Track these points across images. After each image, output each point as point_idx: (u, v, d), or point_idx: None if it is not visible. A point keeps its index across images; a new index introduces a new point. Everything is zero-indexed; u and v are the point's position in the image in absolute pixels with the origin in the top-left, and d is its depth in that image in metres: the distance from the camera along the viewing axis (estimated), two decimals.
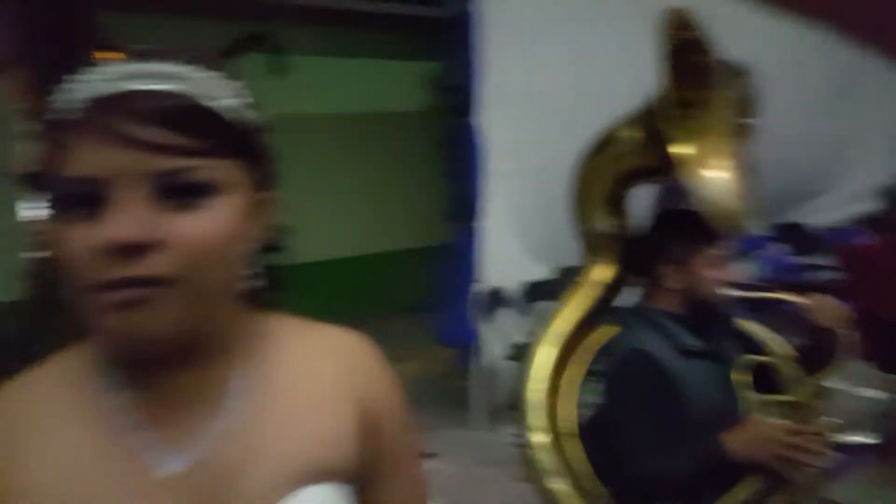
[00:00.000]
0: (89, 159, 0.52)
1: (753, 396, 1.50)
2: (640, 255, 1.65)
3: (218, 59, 0.57)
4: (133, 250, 0.51)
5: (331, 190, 6.01)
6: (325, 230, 5.91)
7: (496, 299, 3.70)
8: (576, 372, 1.78)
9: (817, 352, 1.53)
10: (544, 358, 1.77)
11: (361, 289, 5.98)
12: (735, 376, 1.52)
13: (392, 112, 6.00)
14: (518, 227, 3.86)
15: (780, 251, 4.81)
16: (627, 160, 1.65)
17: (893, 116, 5.43)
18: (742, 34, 4.27)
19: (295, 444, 0.59)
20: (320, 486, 0.58)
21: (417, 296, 4.49)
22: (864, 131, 5.29)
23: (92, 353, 0.60)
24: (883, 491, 2.43)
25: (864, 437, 1.57)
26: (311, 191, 5.72)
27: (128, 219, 0.51)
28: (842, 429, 1.51)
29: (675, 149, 1.46)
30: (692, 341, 1.53)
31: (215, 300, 0.57)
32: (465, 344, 3.69)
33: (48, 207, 0.54)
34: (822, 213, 5.15)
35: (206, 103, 0.54)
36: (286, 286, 0.71)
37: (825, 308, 1.51)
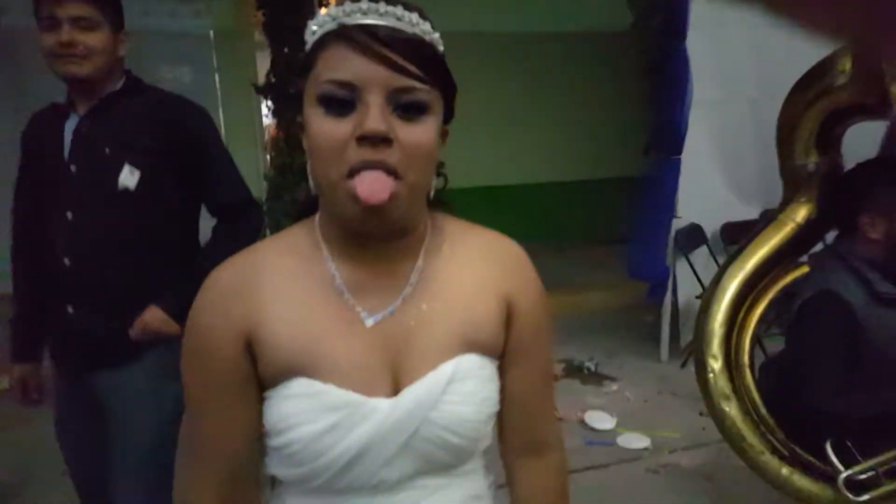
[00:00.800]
0: (349, 68, 0.63)
1: None
2: (843, 199, 1.60)
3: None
4: (380, 140, 0.62)
5: (527, 114, 5.89)
6: (522, 155, 5.94)
7: (693, 237, 3.64)
8: (759, 307, 1.82)
9: None
10: (728, 290, 1.83)
11: (558, 215, 5.97)
12: None
13: (593, 32, 5.59)
14: (722, 163, 3.68)
15: None
16: (841, 95, 1.58)
17: None
18: None
19: (456, 320, 0.73)
20: (474, 355, 0.72)
21: (614, 227, 4.50)
22: None
23: (312, 230, 0.74)
24: None
25: None
26: (512, 114, 5.75)
27: (379, 116, 0.63)
28: None
29: (893, 87, 1.41)
30: (889, 288, 1.49)
31: (421, 196, 0.70)
32: (657, 279, 3.70)
33: (310, 105, 0.66)
34: None
35: (429, 40, 0.67)
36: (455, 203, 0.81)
37: None
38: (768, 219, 1.84)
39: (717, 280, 1.89)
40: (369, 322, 0.70)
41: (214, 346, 0.70)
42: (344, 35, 0.64)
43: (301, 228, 0.75)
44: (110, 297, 1.41)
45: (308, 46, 0.67)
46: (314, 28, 0.67)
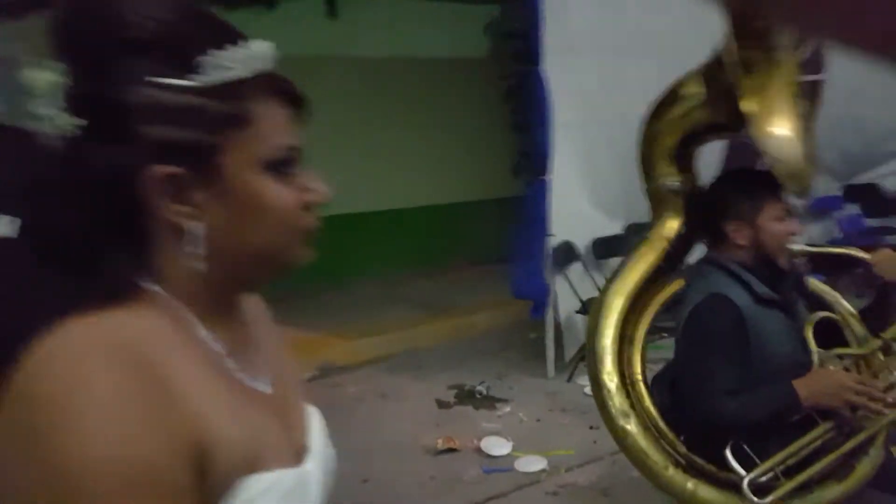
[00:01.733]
0: (291, 130, 0.60)
1: (822, 352, 1.51)
2: (707, 211, 1.65)
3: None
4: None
5: (398, 137, 5.77)
6: (394, 179, 5.78)
7: (567, 254, 3.73)
8: (643, 323, 1.84)
9: (884, 307, 1.53)
10: (614, 308, 1.83)
11: (437, 239, 5.91)
12: (805, 329, 1.52)
13: (457, 58, 5.71)
14: (587, 182, 3.82)
15: (853, 213, 4.59)
16: (695, 116, 1.62)
17: None
18: None
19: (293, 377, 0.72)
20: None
21: (495, 248, 4.54)
22: None
23: (169, 295, 0.59)
24: None
25: None
26: (378, 137, 5.59)
27: (320, 180, 0.62)
28: None
29: (743, 105, 1.45)
30: (766, 290, 1.54)
31: None
32: (538, 296, 3.76)
33: (248, 168, 0.58)
34: None
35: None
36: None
37: (890, 263, 1.49)
38: (640, 236, 1.87)
39: (602, 299, 1.89)
40: (267, 389, 0.64)
41: (158, 478, 0.50)
42: (277, 88, 0.59)
43: (148, 295, 0.58)
44: None
45: (221, 94, 0.55)
46: (233, 72, 0.55)
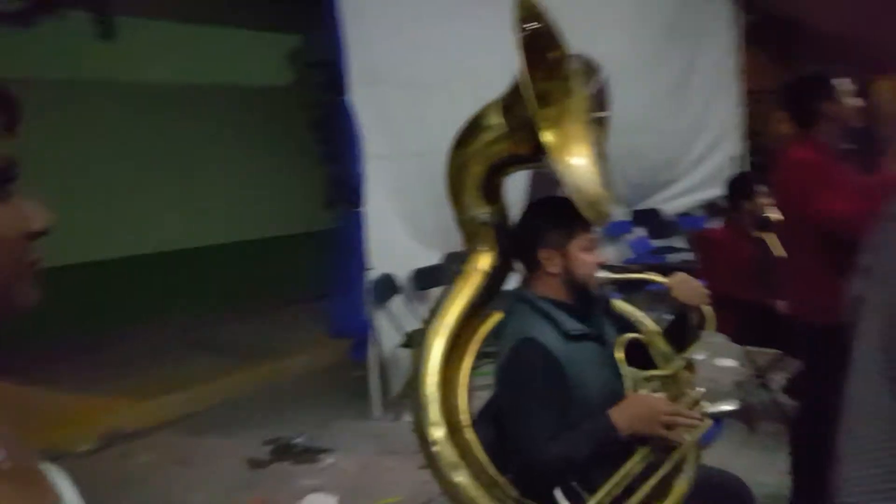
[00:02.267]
0: None
1: (633, 373, 1.54)
2: (519, 241, 1.65)
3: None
4: None
5: (198, 172, 5.35)
6: (197, 215, 5.33)
7: (387, 287, 3.63)
8: (467, 362, 1.76)
9: (683, 326, 1.60)
10: (435, 350, 1.73)
11: (246, 277, 5.46)
12: (616, 355, 1.55)
13: (257, 87, 5.45)
14: (403, 212, 3.77)
15: (640, 235, 5.13)
16: (497, 147, 1.61)
17: (729, 109, 5.96)
18: (583, 30, 4.53)
19: None
20: None
21: (309, 285, 4.30)
22: (706, 124, 5.76)
23: None
24: (744, 450, 2.65)
25: (727, 404, 1.66)
26: (175, 173, 5.15)
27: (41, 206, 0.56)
28: (707, 397, 1.58)
29: (542, 136, 1.46)
30: (575, 325, 1.56)
31: None
32: (358, 334, 3.60)
33: None
34: (675, 201, 5.57)
35: None
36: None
37: (686, 287, 1.55)
38: (456, 271, 1.81)
39: (422, 342, 1.78)
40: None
41: None
42: None
43: None
44: None
45: None
46: None
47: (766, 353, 3.30)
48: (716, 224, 5.66)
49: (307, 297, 4.50)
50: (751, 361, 3.33)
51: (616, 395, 1.52)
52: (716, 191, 5.72)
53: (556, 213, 1.60)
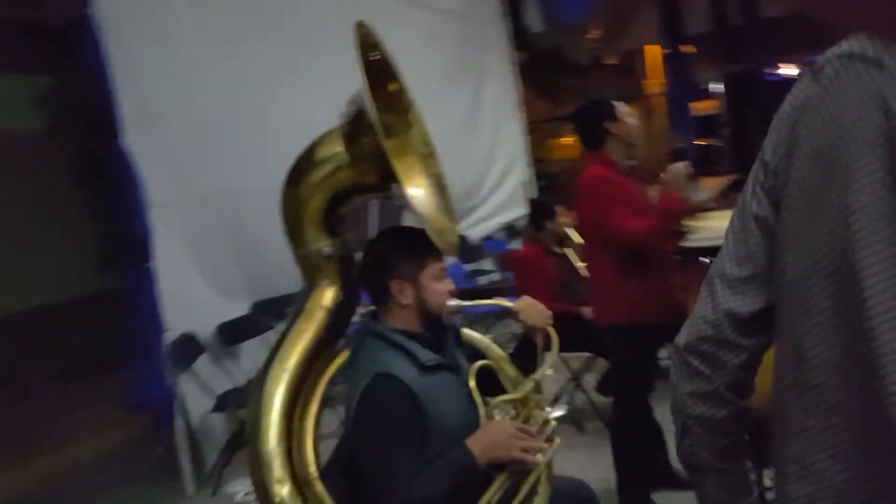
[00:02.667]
0: None
1: (486, 401, 1.55)
2: (368, 274, 1.59)
3: None
4: None
5: None
6: None
7: (189, 347, 3.24)
8: (313, 408, 1.61)
9: (530, 348, 1.61)
10: (277, 399, 1.56)
11: (14, 352, 4.60)
12: (469, 383, 1.54)
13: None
14: (199, 264, 3.44)
15: (453, 262, 5.27)
16: (339, 177, 1.56)
17: (515, 139, 6.46)
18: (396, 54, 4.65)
19: None
20: None
21: (87, 358, 3.67)
22: (497, 153, 6.17)
23: None
24: (574, 452, 2.76)
25: (557, 410, 1.72)
26: None
27: None
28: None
29: (388, 166, 1.44)
30: (431, 356, 1.52)
31: None
32: (160, 404, 3.14)
33: None
34: (478, 226, 5.84)
35: None
36: None
37: (531, 310, 1.59)
38: (296, 310, 1.67)
39: (259, 392, 1.59)
40: None
41: None
42: None
43: None
44: None
45: None
46: None
47: (577, 357, 3.52)
48: (517, 244, 6.07)
49: (89, 371, 3.86)
50: (566, 366, 3.54)
51: (474, 424, 1.51)
52: (512, 214, 6.15)
53: (407, 244, 1.57)
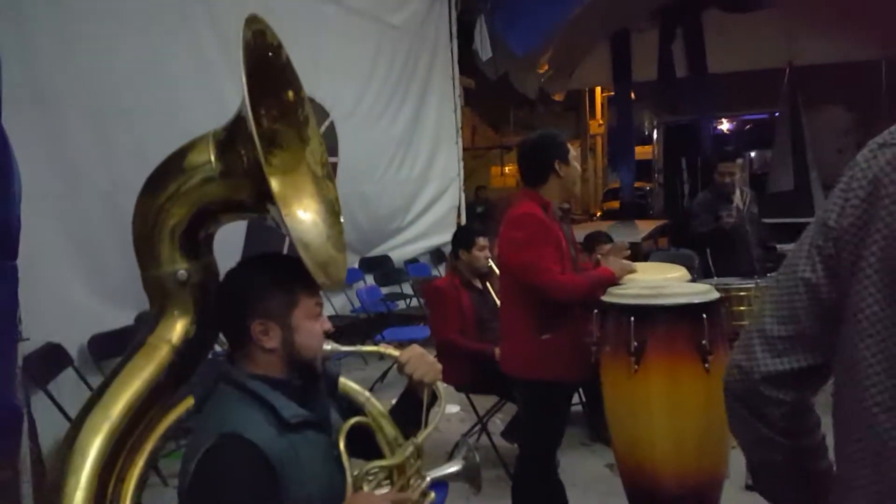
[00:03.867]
0: None
1: (356, 466, 1.31)
2: (226, 310, 1.31)
3: None
4: None
5: None
6: None
7: (52, 360, 2.84)
8: (133, 469, 1.32)
9: (413, 406, 1.41)
10: (92, 454, 1.27)
11: None
12: (339, 445, 1.30)
13: None
14: (79, 265, 3.10)
15: (370, 284, 5.02)
16: (208, 192, 1.30)
17: (452, 163, 6.30)
18: (310, 73, 4.43)
19: None
20: None
21: None
22: (431, 175, 5.99)
23: None
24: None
25: (451, 466, 1.50)
26: None
27: None
28: (432, 450, 1.49)
29: (267, 182, 1.19)
30: (296, 411, 1.26)
31: None
32: (4, 423, 2.72)
33: None
34: (403, 248, 5.62)
35: None
36: None
37: (419, 362, 1.38)
38: (134, 344, 1.38)
39: (72, 441, 1.30)
40: None
41: None
42: None
43: None
44: None
45: None
46: None
47: (487, 398, 3.35)
48: (441, 270, 5.89)
49: None
50: (473, 408, 3.36)
51: (339, 495, 1.27)
52: (440, 238, 5.97)
53: (276, 275, 1.30)
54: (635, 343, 1.97)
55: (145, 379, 1.33)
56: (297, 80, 1.37)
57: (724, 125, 8.83)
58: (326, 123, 4.56)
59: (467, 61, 6.38)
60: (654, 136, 9.44)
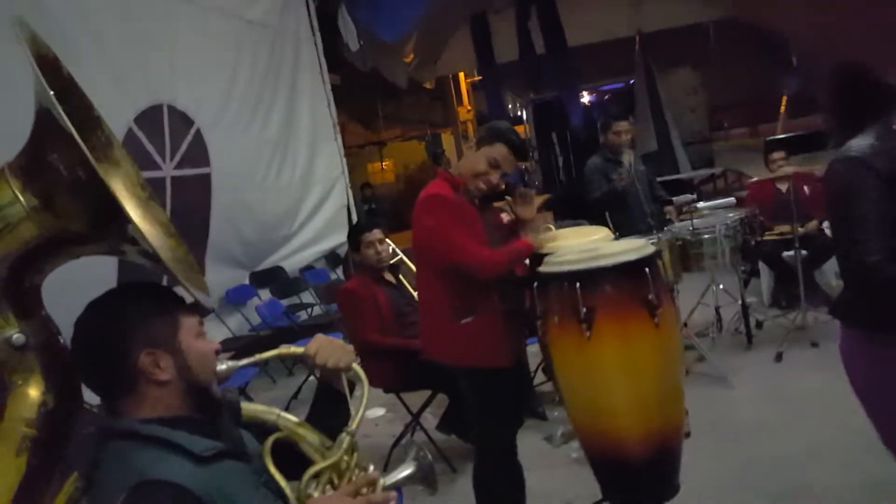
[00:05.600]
0: None
1: (291, 482, 1.18)
2: (98, 355, 1.06)
3: None
4: None
5: None
6: None
7: None
8: None
9: (332, 400, 1.31)
10: None
11: None
12: (267, 465, 1.16)
13: None
14: None
15: (269, 298, 4.61)
16: (21, 235, 1.04)
17: (334, 162, 5.97)
18: (166, 77, 3.94)
19: None
20: None
21: None
22: (314, 177, 5.63)
23: None
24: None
25: (405, 468, 1.34)
26: None
27: None
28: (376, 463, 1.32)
29: (103, 201, 0.93)
30: (207, 443, 1.09)
31: None
32: None
33: None
34: (297, 255, 5.24)
35: None
36: None
37: (329, 349, 1.26)
38: None
39: None
40: None
41: None
42: None
43: None
44: None
45: None
46: None
47: (415, 395, 3.16)
48: (340, 273, 5.55)
49: None
50: (404, 405, 3.17)
51: None
52: (333, 241, 5.63)
53: (149, 299, 1.12)
54: (584, 309, 1.82)
55: (8, 473, 1.01)
56: (86, 96, 1.13)
57: (585, 98, 9.13)
58: (192, 132, 4.08)
59: (332, 57, 6.05)
60: (524, 115, 9.60)
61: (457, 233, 2.04)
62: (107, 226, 0.97)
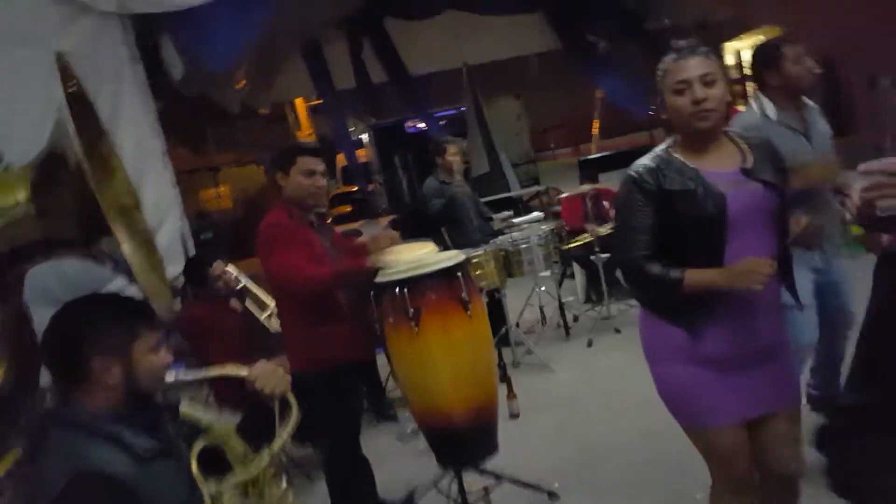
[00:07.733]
0: None
1: (210, 487, 1.42)
2: (60, 349, 1.36)
3: None
4: None
5: None
6: None
7: None
8: None
9: (260, 418, 1.53)
10: None
11: None
12: (192, 469, 1.40)
13: None
14: None
15: None
16: (16, 234, 1.35)
17: (166, 190, 6.06)
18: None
19: None
20: None
21: None
22: (144, 207, 5.67)
23: None
24: None
25: None
26: None
27: None
28: None
29: (92, 217, 1.28)
30: (146, 442, 1.35)
31: None
32: None
33: None
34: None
35: None
36: None
37: (269, 376, 1.50)
38: None
39: None
40: None
41: None
42: None
43: None
44: None
45: None
46: None
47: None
48: (176, 304, 5.60)
49: None
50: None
51: None
52: (168, 272, 5.67)
53: (113, 311, 1.39)
54: (412, 309, 2.42)
55: None
56: (97, 112, 1.45)
57: (422, 123, 9.95)
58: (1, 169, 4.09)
59: (158, 83, 6.14)
60: (365, 139, 10.20)
61: (287, 255, 2.35)
62: (93, 236, 1.26)
